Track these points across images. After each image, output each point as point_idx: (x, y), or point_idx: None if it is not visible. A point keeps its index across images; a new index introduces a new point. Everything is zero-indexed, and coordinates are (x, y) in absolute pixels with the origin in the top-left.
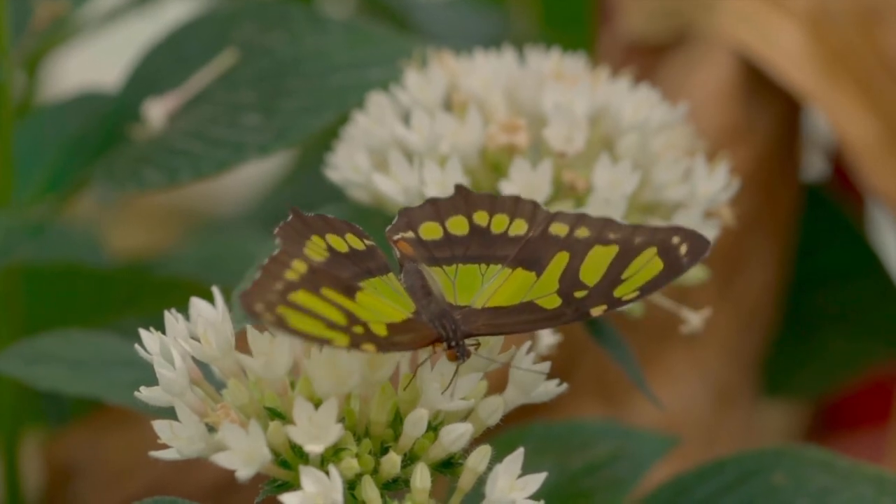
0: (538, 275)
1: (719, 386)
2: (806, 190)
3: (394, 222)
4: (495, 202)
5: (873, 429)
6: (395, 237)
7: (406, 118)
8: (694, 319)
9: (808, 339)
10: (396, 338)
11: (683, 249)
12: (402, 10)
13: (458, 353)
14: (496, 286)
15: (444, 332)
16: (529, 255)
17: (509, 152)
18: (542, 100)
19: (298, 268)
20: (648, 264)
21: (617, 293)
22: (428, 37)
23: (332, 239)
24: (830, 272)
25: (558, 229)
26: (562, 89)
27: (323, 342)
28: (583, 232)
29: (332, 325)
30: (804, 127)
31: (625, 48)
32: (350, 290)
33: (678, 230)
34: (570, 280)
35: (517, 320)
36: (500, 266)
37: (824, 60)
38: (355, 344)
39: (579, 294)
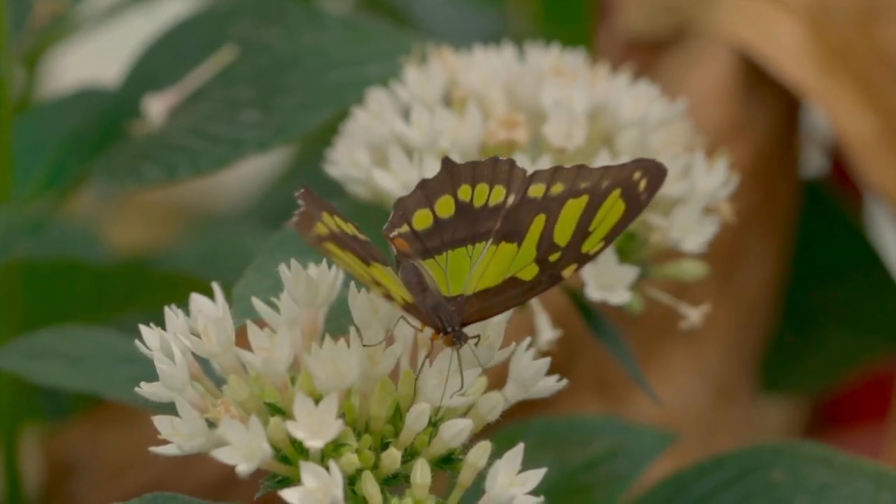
0: (519, 246)
1: (718, 382)
2: (805, 186)
3: (390, 218)
4: (476, 170)
5: (872, 424)
6: (392, 234)
7: (406, 114)
8: (693, 315)
9: (806, 335)
10: (412, 311)
11: (643, 185)
12: (400, 6)
13: (455, 339)
14: (483, 267)
15: (441, 323)
16: (511, 226)
17: (509, 148)
18: (541, 96)
19: (321, 229)
20: (612, 209)
21: (584, 248)
22: (427, 33)
23: (339, 221)
24: (829, 268)
25: (536, 191)
26: (561, 85)
27: (367, 281)
28: (557, 188)
29: (369, 279)
30: (803, 123)
31: (624, 45)
32: (366, 259)
33: (639, 163)
34: (545, 244)
35: (501, 299)
36: (485, 244)
37: (823, 57)
38: (386, 295)
39: (553, 258)
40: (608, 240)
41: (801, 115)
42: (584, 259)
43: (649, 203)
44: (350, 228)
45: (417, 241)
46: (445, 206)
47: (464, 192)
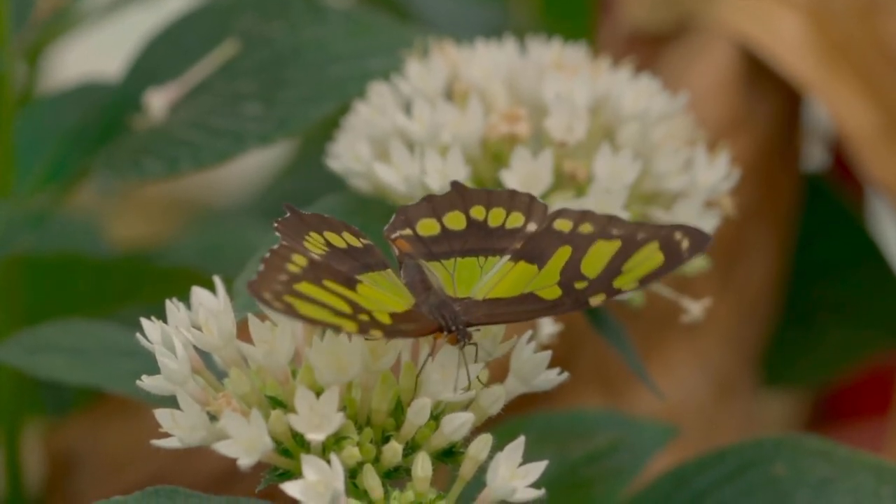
0: (539, 268)
1: (719, 376)
2: (806, 180)
3: (391, 221)
4: (491, 196)
5: (873, 418)
6: (393, 235)
7: (407, 108)
8: (694, 309)
9: (807, 329)
10: (401, 326)
11: (685, 244)
12: (402, 0)
13: (459, 337)
14: (497, 279)
15: (444, 321)
16: (532, 250)
17: (510, 142)
18: (542, 89)
19: (299, 261)
20: (649, 257)
21: (616, 284)
22: (428, 27)
23: (330, 236)
24: (830, 262)
25: (562, 225)
26: (562, 79)
27: (333, 328)
28: (586, 228)
29: (338, 313)
30: (804, 117)
31: (625, 39)
32: (351, 282)
33: (681, 227)
34: (571, 272)
35: (517, 310)
36: (499, 258)
37: (824, 51)
38: (363, 330)
39: (580, 285)
40: (643, 282)
41: (803, 110)
42: (614, 292)
43: (687, 262)
44: (344, 239)
45: (421, 245)
46: (455, 220)
47: (477, 212)
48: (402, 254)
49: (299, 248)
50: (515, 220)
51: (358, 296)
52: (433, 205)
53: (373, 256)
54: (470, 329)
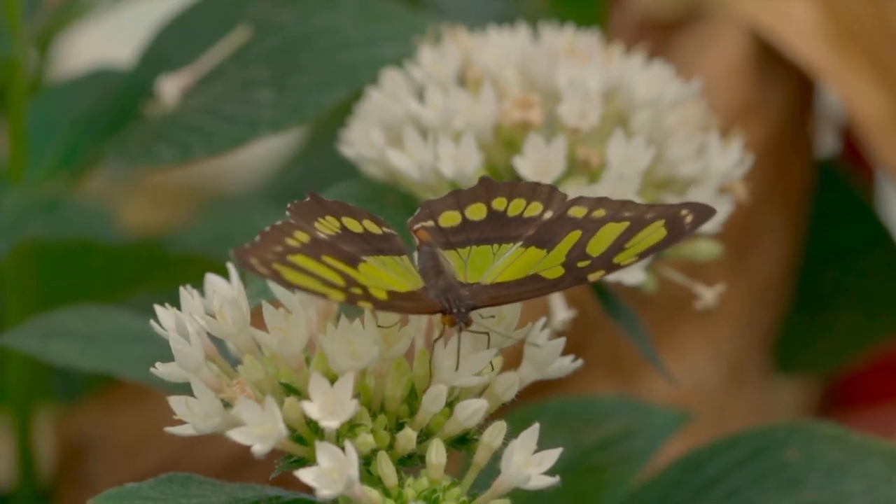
0: (548, 252)
1: (731, 362)
2: (817, 166)
3: (415, 214)
4: (514, 188)
5: (885, 404)
6: (416, 226)
7: (420, 94)
8: (707, 295)
9: (819, 315)
10: (396, 302)
11: (689, 218)
12: None
13: (458, 319)
14: (507, 264)
15: (447, 304)
16: (544, 235)
17: (523, 128)
18: (555, 76)
19: (300, 237)
20: (653, 234)
21: (616, 259)
22: (441, 13)
23: (348, 221)
24: (842, 248)
25: (577, 212)
26: (575, 65)
27: (319, 295)
28: (599, 213)
29: (328, 284)
30: (816, 103)
31: (637, 25)
32: (353, 260)
33: (689, 204)
34: (576, 253)
35: (519, 290)
36: (511, 245)
37: (836, 36)
38: (351, 300)
39: (582, 264)
40: (642, 256)
41: (814, 96)
42: (613, 267)
43: (689, 234)
44: (363, 226)
45: (441, 235)
46: (477, 211)
47: (499, 203)
48: (421, 243)
49: (306, 228)
50: (534, 209)
51: (358, 273)
52: (458, 198)
53: (389, 243)
54: (478, 312)
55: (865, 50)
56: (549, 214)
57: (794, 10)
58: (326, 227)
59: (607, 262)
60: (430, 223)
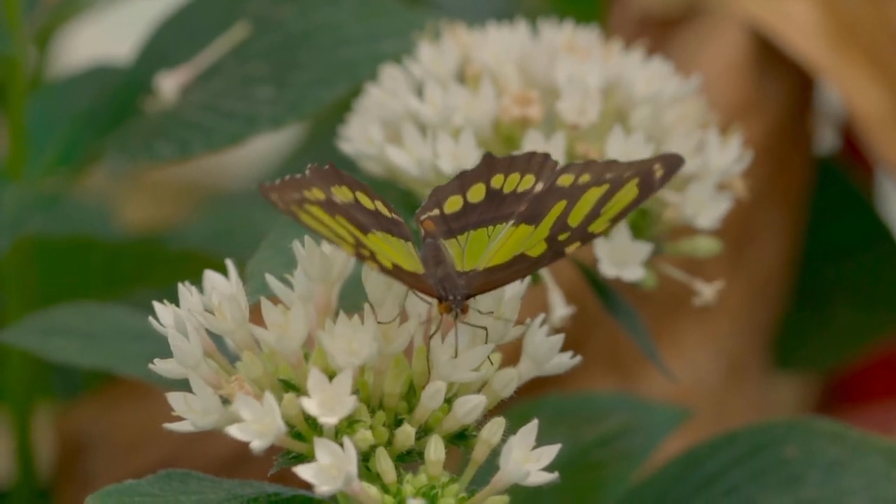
0: (536, 227)
1: (731, 358)
2: (817, 163)
3: (424, 203)
4: (512, 162)
5: (884, 401)
6: (423, 217)
7: (419, 91)
8: (706, 292)
9: (818, 312)
10: (401, 274)
11: (659, 173)
12: None
13: (453, 306)
14: (498, 246)
15: (444, 292)
16: (534, 210)
17: (522, 125)
18: (555, 72)
19: (317, 194)
20: (626, 195)
21: (591, 228)
22: (440, 10)
23: (361, 196)
24: (841, 245)
25: (564, 180)
26: (574, 62)
27: (331, 242)
28: (584, 178)
29: (340, 237)
30: (815, 100)
31: (636, 22)
32: (363, 228)
33: (661, 157)
34: (559, 225)
35: (507, 273)
36: (505, 224)
37: (835, 33)
38: (360, 256)
39: (562, 237)
40: (614, 220)
41: (814, 93)
42: (587, 237)
43: (659, 189)
44: (375, 205)
45: (444, 223)
46: (477, 192)
47: (496, 181)
48: (426, 233)
49: (322, 187)
50: (527, 182)
51: (367, 239)
52: (462, 180)
53: (397, 227)
54: (476, 307)
55: (865, 47)
56: (540, 187)
57: (794, 7)
58: (341, 194)
59: (583, 231)
60: (436, 212)
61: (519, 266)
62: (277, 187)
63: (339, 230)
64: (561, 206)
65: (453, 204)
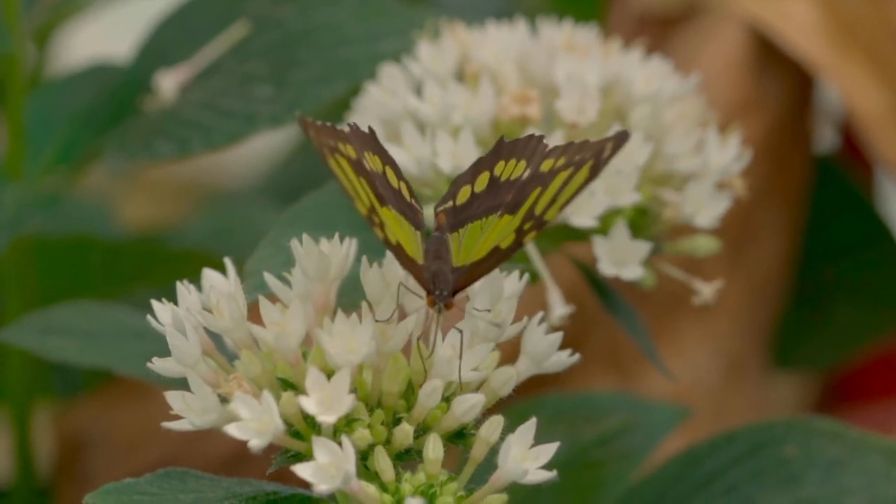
0: (513, 217)
1: (730, 357)
2: (816, 162)
3: (444, 194)
4: (513, 147)
5: (883, 400)
6: (439, 209)
7: (418, 89)
8: (705, 291)
9: (818, 311)
10: (402, 254)
11: (608, 151)
12: None
13: (437, 300)
14: (484, 240)
15: (432, 286)
16: (516, 199)
17: (521, 123)
18: (554, 71)
19: (350, 151)
20: (580, 178)
21: (546, 215)
22: (439, 9)
23: (389, 171)
24: (840, 244)
25: (546, 165)
26: (574, 60)
27: (348, 196)
28: (560, 161)
29: (358, 195)
30: (815, 99)
31: (636, 21)
32: (382, 199)
33: (613, 136)
34: (529, 214)
35: (483, 267)
36: (495, 216)
37: (835, 32)
38: (371, 221)
39: (527, 226)
40: (563, 206)
41: (813, 91)
42: (542, 225)
43: (602, 167)
44: (400, 187)
45: (452, 216)
46: (482, 182)
47: (499, 168)
48: (437, 226)
49: (357, 148)
50: (519, 169)
51: (382, 210)
52: (474, 168)
53: (412, 213)
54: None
55: (864, 46)
56: (527, 173)
57: (793, 6)
58: (372, 162)
59: (539, 219)
60: (450, 203)
61: (492, 260)
62: (316, 127)
63: (359, 189)
64: (536, 193)
65: (464, 194)
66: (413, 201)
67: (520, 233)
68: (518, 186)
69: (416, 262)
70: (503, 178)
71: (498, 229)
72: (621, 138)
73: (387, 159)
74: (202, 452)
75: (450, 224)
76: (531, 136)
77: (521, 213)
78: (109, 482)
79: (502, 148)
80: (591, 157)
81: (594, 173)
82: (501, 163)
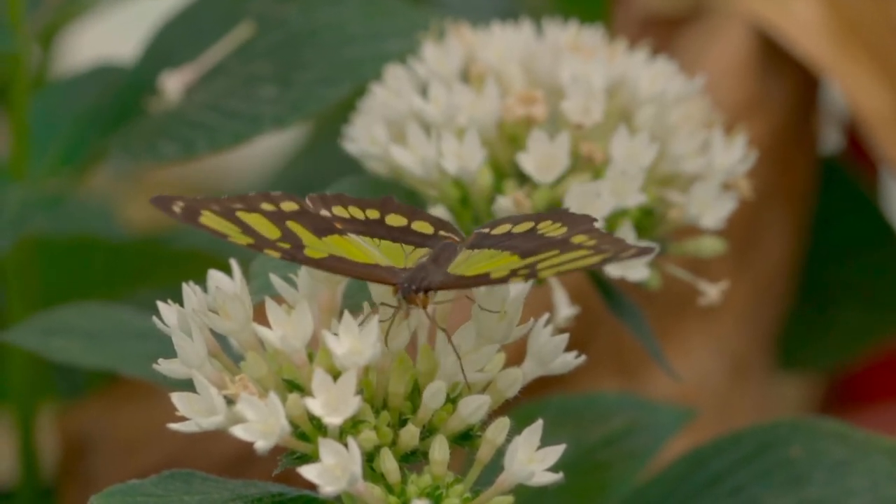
0: (519, 258)
1: (735, 358)
2: (821, 162)
3: (487, 222)
4: (568, 217)
5: (889, 401)
6: (475, 230)
7: (423, 90)
8: (711, 292)
9: (823, 312)
10: (334, 264)
11: (629, 253)
12: None
13: (400, 290)
14: (483, 261)
15: (408, 283)
16: (535, 250)
17: (527, 124)
18: (559, 72)
19: (266, 206)
20: (591, 261)
21: (541, 273)
22: (445, 9)
23: (371, 213)
24: (845, 244)
25: (578, 238)
26: (579, 61)
27: (222, 237)
28: (590, 242)
29: (248, 232)
30: (820, 99)
31: (640, 22)
32: (320, 231)
33: (643, 247)
34: (531, 264)
35: (464, 282)
36: (508, 252)
37: (839, 32)
38: (257, 247)
39: (522, 271)
40: (558, 273)
41: (818, 92)
42: (533, 276)
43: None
44: (380, 217)
45: (479, 238)
46: (523, 227)
47: (544, 226)
48: (462, 240)
49: (302, 204)
50: (556, 230)
51: (318, 241)
52: (527, 217)
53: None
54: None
55: (869, 46)
56: (560, 237)
57: (798, 6)
58: (341, 212)
59: (535, 271)
60: (486, 230)
61: (477, 280)
62: (197, 199)
63: (260, 227)
64: (553, 253)
65: (502, 229)
66: (441, 231)
67: (512, 273)
68: (544, 242)
69: (375, 267)
70: (540, 232)
71: (500, 262)
72: (646, 251)
73: (347, 200)
74: (206, 453)
75: (471, 243)
76: (587, 217)
77: (528, 261)
78: (113, 483)
79: (558, 214)
80: (613, 252)
81: (604, 263)
82: (549, 222)
